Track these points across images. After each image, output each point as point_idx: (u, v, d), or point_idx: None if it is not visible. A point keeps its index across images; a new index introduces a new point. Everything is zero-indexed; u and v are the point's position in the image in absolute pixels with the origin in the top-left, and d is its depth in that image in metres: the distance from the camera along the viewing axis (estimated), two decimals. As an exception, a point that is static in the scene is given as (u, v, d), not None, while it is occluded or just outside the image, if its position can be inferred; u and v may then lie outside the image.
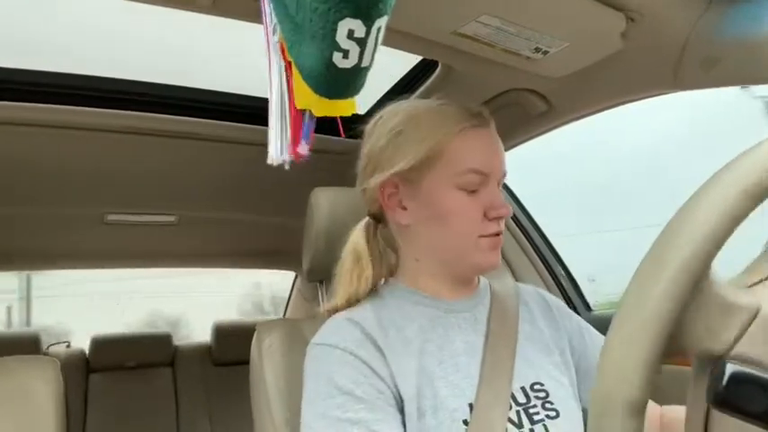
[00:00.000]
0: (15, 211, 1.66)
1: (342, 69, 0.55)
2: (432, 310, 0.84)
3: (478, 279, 0.91)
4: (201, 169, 1.53)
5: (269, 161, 0.60)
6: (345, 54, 0.54)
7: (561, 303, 0.97)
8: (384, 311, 0.82)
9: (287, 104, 0.60)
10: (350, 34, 0.53)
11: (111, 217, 1.81)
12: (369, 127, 0.89)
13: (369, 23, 0.53)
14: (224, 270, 2.77)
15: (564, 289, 1.55)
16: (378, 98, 1.41)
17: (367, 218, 0.92)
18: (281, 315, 2.89)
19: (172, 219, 1.89)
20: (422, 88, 1.19)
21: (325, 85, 0.57)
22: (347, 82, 0.57)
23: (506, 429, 0.74)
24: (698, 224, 0.32)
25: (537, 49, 0.96)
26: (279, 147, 0.60)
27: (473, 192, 0.80)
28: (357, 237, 0.90)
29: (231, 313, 9.48)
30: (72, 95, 1.22)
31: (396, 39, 0.94)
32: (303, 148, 0.60)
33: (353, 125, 1.46)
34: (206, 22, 0.88)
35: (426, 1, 0.84)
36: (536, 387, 0.80)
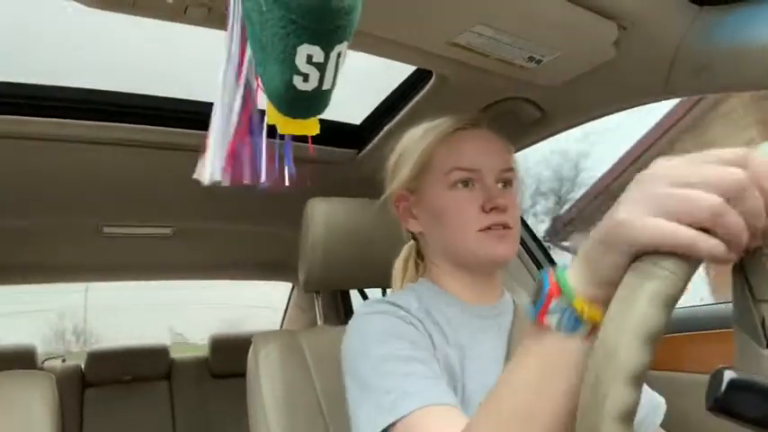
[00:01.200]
0: (11, 223, 1.66)
1: (302, 92, 0.56)
2: (458, 311, 0.86)
3: (503, 291, 0.93)
4: (197, 181, 1.53)
5: (198, 176, 0.59)
6: (305, 78, 0.55)
7: None
8: (422, 302, 0.85)
9: (232, 123, 0.59)
10: (309, 59, 0.53)
11: (108, 229, 1.80)
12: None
13: (327, 49, 0.54)
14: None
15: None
16: (372, 108, 1.41)
17: (410, 242, 0.99)
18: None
19: (168, 231, 1.89)
20: (416, 98, 1.20)
21: (287, 105, 0.58)
22: (308, 104, 0.58)
23: None
24: None
25: (531, 58, 0.96)
26: (212, 166, 0.59)
27: (467, 189, 0.84)
28: (398, 263, 0.98)
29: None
30: (67, 108, 1.22)
31: (390, 49, 0.95)
32: (262, 176, 0.60)
33: (350, 136, 1.48)
34: (203, 34, 0.88)
35: (421, 11, 0.85)
36: None
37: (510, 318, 0.89)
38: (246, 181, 0.60)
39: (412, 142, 0.92)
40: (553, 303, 0.45)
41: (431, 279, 0.91)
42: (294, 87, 0.55)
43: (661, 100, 1.04)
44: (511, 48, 0.93)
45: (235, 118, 0.59)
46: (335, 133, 1.44)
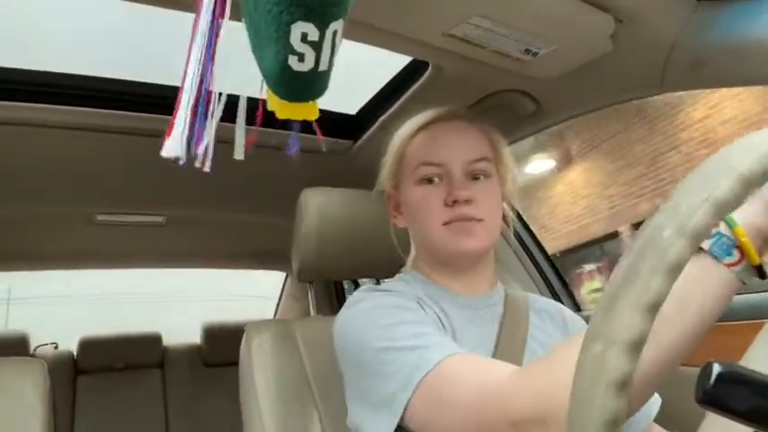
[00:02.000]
0: (2, 210, 1.65)
1: (298, 72, 0.55)
2: (449, 301, 0.86)
3: (495, 281, 0.93)
4: (190, 169, 1.52)
5: (163, 153, 0.58)
6: (301, 57, 0.54)
7: (577, 318, 0.98)
8: (415, 290, 0.86)
9: (195, 98, 0.58)
10: (303, 37, 0.53)
11: (101, 217, 1.79)
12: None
13: (322, 27, 0.53)
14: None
15: (553, 289, 1.55)
16: (368, 99, 1.41)
17: None
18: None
19: (161, 219, 1.88)
20: (412, 89, 1.20)
21: (283, 87, 0.57)
22: (305, 85, 0.57)
23: None
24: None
25: (527, 51, 0.96)
26: (179, 140, 0.58)
27: (432, 185, 0.85)
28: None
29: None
30: (60, 94, 1.21)
31: (387, 39, 0.95)
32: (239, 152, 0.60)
33: (345, 126, 1.47)
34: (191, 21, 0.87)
35: (417, 3, 0.84)
36: None
37: (501, 308, 0.89)
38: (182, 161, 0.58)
39: (397, 137, 0.94)
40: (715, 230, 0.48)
41: (419, 271, 0.92)
42: (290, 68, 0.54)
43: (657, 94, 1.04)
44: (507, 40, 0.93)
45: (194, 96, 0.58)
46: (331, 123, 1.44)
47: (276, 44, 0.53)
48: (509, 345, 0.83)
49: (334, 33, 0.54)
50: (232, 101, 0.61)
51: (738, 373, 0.30)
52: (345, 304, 0.83)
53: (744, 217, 0.49)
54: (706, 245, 0.49)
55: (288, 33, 0.52)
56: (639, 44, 0.94)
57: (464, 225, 0.82)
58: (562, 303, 1.52)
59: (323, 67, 0.55)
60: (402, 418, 0.67)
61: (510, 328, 0.86)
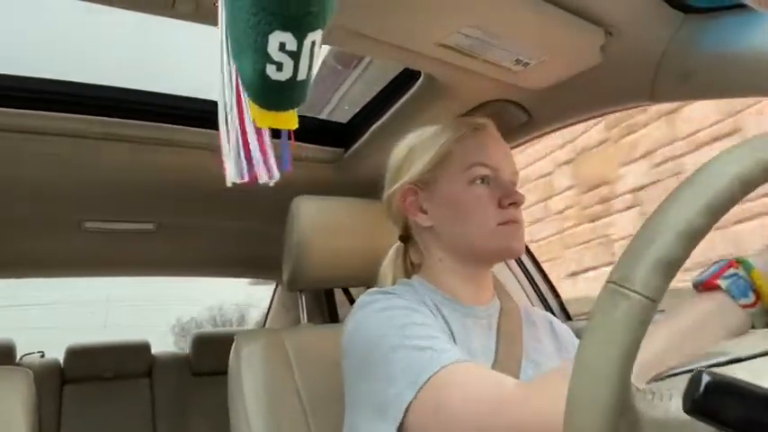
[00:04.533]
0: None
1: (276, 81, 0.55)
2: (451, 309, 0.87)
3: (494, 294, 0.95)
4: (180, 176, 1.52)
5: (228, 183, 0.58)
6: (279, 67, 0.54)
7: (568, 329, 1.00)
8: (419, 295, 0.87)
9: (236, 121, 0.58)
10: (281, 47, 0.53)
11: (89, 224, 1.78)
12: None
13: (300, 37, 0.53)
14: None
15: (544, 298, 1.56)
16: (360, 107, 1.41)
17: (397, 243, 0.99)
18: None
19: (150, 226, 1.86)
20: (404, 98, 1.20)
21: (262, 96, 0.57)
22: (283, 94, 0.57)
23: None
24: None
25: (518, 61, 0.97)
26: (236, 167, 0.57)
27: (485, 185, 0.88)
28: (385, 265, 0.99)
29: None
30: (47, 101, 1.20)
31: (378, 49, 0.95)
32: (272, 171, 0.58)
33: (336, 134, 1.47)
34: (185, 27, 0.87)
35: (409, 12, 0.85)
36: None
37: (497, 317, 0.91)
38: (262, 180, 0.58)
39: (425, 138, 0.93)
40: (729, 271, 0.51)
41: (425, 278, 0.92)
42: (268, 77, 0.54)
43: (646, 105, 1.05)
44: (498, 50, 0.93)
45: (236, 115, 0.58)
46: (322, 131, 1.44)
47: (255, 53, 0.54)
48: (507, 356, 0.85)
49: (313, 43, 0.54)
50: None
51: (727, 382, 0.30)
52: (356, 306, 0.83)
53: (761, 262, 0.51)
54: (723, 284, 0.51)
55: (266, 43, 0.53)
56: (629, 56, 0.95)
57: (517, 227, 0.87)
58: (552, 311, 1.54)
59: (301, 76, 0.56)
60: (402, 424, 0.67)
61: (507, 340, 0.87)
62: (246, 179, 0.57)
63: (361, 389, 0.77)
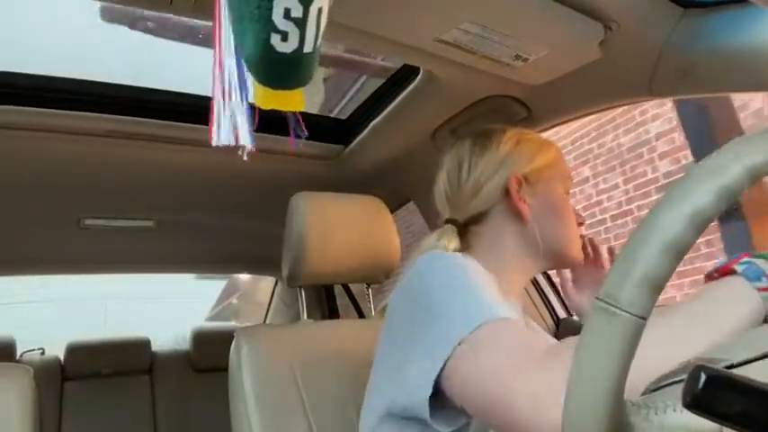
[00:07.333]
0: None
1: (282, 54, 0.53)
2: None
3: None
4: (179, 173, 1.52)
5: (212, 142, 0.57)
6: (284, 36, 0.52)
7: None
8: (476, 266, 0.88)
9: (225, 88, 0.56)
10: (287, 14, 0.51)
11: (88, 221, 1.78)
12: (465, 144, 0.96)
13: (306, 2, 0.51)
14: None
15: (545, 295, 1.56)
16: (359, 103, 1.41)
17: (446, 226, 0.95)
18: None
19: (150, 223, 1.86)
20: (403, 94, 1.20)
21: (266, 71, 0.55)
22: (289, 69, 0.55)
23: None
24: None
25: (517, 57, 0.97)
26: (222, 128, 0.56)
27: (570, 199, 0.96)
28: (429, 242, 0.95)
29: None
30: (48, 98, 1.20)
31: (378, 44, 0.95)
32: (245, 139, 0.57)
33: (336, 130, 1.47)
34: (186, 23, 0.87)
35: (409, 8, 0.85)
36: None
37: (521, 315, 0.94)
38: (233, 143, 0.57)
39: (533, 137, 0.97)
40: (744, 259, 0.57)
41: (477, 261, 0.91)
42: (272, 48, 0.52)
43: (646, 100, 1.05)
44: (498, 46, 0.93)
45: (227, 84, 0.56)
46: (322, 127, 1.44)
47: (258, 23, 0.52)
48: None
49: (319, 11, 0.53)
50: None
51: (726, 377, 0.30)
52: (418, 261, 0.82)
53: None
54: (739, 269, 0.56)
55: (270, 10, 0.51)
56: (628, 51, 0.95)
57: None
58: (553, 308, 1.54)
59: (308, 48, 0.53)
60: (444, 365, 0.66)
61: None
62: (233, 143, 0.56)
63: (410, 332, 0.76)
